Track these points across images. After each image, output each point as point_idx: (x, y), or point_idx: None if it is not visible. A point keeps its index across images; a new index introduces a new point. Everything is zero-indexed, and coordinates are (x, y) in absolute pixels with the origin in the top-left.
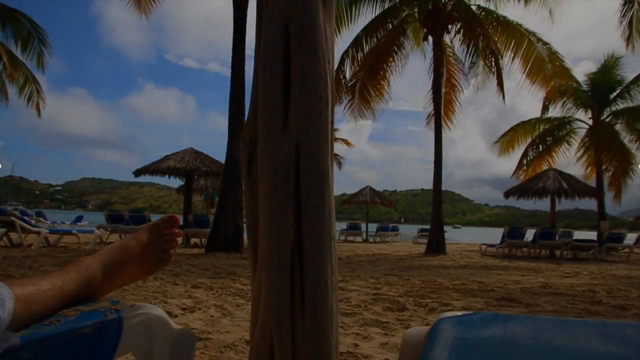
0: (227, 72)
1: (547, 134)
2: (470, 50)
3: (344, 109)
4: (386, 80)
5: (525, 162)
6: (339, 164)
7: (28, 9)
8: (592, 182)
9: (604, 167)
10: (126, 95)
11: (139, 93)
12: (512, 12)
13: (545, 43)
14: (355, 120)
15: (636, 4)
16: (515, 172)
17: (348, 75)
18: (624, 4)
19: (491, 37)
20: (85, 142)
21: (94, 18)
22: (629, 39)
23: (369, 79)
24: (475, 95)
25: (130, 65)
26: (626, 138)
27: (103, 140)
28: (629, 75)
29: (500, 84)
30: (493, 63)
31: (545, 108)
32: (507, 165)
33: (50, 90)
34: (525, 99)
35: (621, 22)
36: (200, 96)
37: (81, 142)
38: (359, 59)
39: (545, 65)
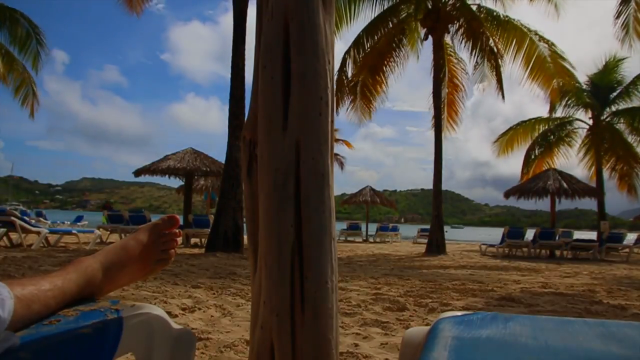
0: None
1: (547, 134)
2: (473, 50)
3: (347, 109)
4: (385, 81)
5: (528, 163)
6: (341, 165)
7: (114, 40)
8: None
9: (609, 166)
10: (171, 104)
11: (182, 102)
12: (516, 10)
13: (547, 41)
14: (359, 120)
15: (633, 4)
16: (521, 176)
17: (350, 75)
18: (620, 4)
19: (491, 36)
20: (116, 145)
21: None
22: (624, 39)
23: (369, 79)
24: (488, 106)
25: (180, 79)
26: (629, 137)
27: (131, 145)
28: (629, 76)
29: (499, 82)
30: (493, 62)
31: (552, 108)
32: (508, 166)
33: (101, 102)
34: (536, 107)
35: (615, 23)
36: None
37: (112, 146)
38: (360, 58)
39: (547, 65)
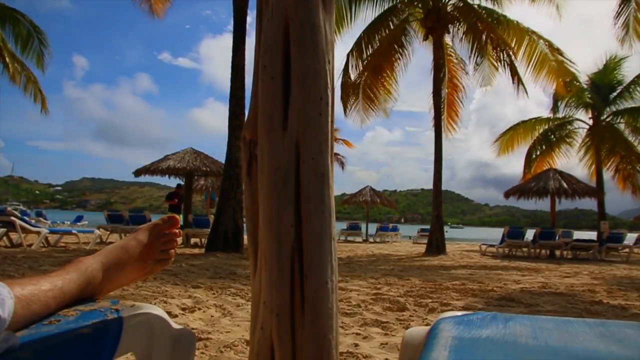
0: None
1: (548, 134)
2: (474, 49)
3: (350, 109)
4: (393, 80)
5: (530, 163)
6: (342, 165)
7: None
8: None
9: (612, 167)
10: (192, 109)
11: (203, 108)
12: (517, 14)
13: (547, 41)
14: (362, 121)
15: (633, 4)
16: (524, 175)
17: (353, 76)
18: (621, 4)
19: (499, 33)
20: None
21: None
22: (624, 39)
23: (372, 79)
24: (491, 109)
25: (205, 86)
26: (630, 137)
27: (149, 147)
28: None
29: (517, 77)
30: (505, 58)
31: (555, 106)
32: (510, 166)
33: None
34: (540, 111)
35: (615, 23)
36: None
37: (131, 148)
38: (363, 59)
39: (549, 63)
